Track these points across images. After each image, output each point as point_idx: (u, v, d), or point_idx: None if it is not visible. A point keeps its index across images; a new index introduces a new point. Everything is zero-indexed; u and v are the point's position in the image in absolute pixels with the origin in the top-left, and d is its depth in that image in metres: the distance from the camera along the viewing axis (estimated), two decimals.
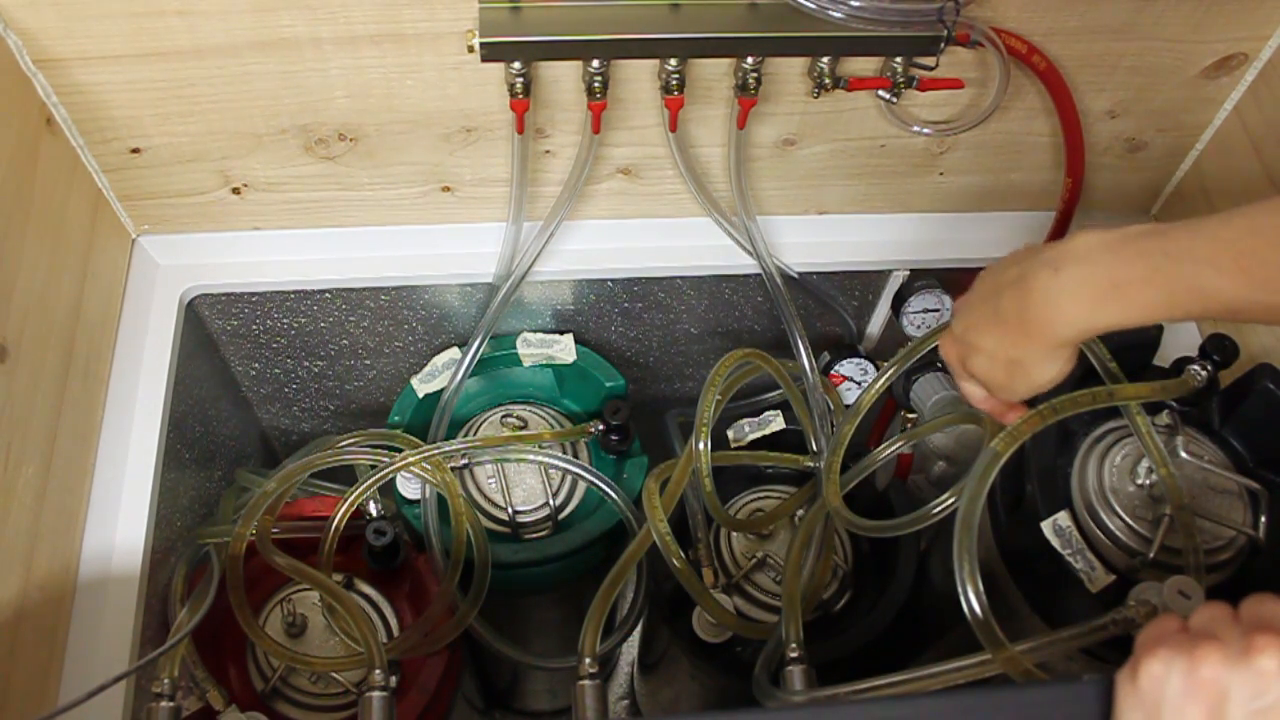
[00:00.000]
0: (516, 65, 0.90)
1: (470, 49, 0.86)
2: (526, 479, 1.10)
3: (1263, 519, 0.85)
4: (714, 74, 0.98)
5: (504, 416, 1.14)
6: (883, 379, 0.95)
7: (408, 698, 0.98)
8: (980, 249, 1.18)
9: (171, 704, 0.87)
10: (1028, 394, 0.72)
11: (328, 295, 1.15)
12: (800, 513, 1.06)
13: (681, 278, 1.19)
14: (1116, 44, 1.00)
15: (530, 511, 1.09)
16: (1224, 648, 0.49)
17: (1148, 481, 0.85)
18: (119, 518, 0.95)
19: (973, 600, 0.71)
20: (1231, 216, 0.57)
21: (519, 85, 0.92)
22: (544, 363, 1.20)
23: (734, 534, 1.09)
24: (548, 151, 1.04)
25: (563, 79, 0.96)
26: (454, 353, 1.15)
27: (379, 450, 1.04)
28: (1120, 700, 0.52)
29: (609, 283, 1.18)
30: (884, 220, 1.18)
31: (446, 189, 1.08)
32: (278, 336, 1.22)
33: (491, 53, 0.87)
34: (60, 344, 0.92)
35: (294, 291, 1.14)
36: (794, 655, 0.90)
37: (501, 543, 1.06)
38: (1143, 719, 0.50)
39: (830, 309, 1.24)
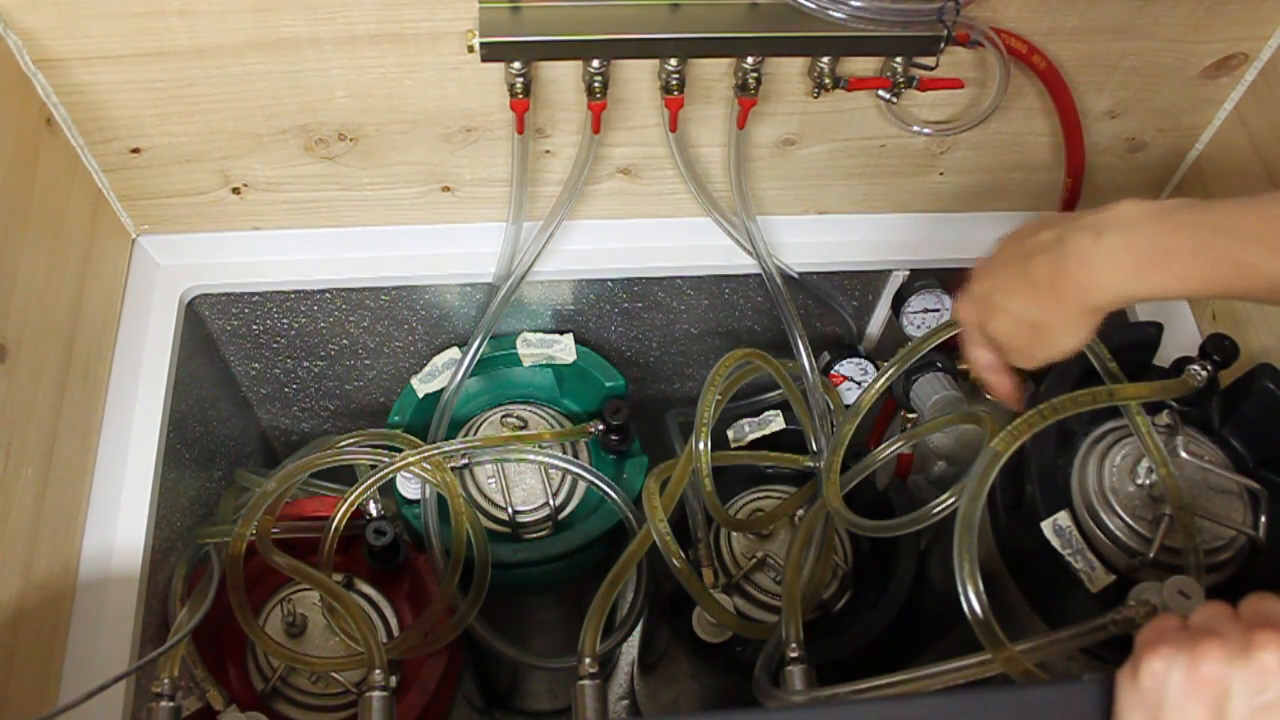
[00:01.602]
0: (516, 65, 0.90)
1: (470, 49, 0.86)
2: (526, 479, 1.10)
3: (1263, 519, 0.85)
4: (714, 74, 0.98)
5: (504, 416, 1.14)
6: (883, 379, 0.95)
7: (408, 698, 0.98)
8: (980, 249, 1.15)
9: (171, 704, 0.87)
10: (1044, 361, 0.71)
11: (327, 295, 1.15)
12: (800, 513, 1.06)
13: (681, 278, 1.19)
14: (1116, 44, 1.00)
15: (530, 511, 1.09)
16: (1225, 644, 0.48)
17: (1148, 481, 0.85)
18: (119, 518, 0.95)
19: (973, 600, 0.71)
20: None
21: (519, 85, 0.92)
22: (544, 363, 1.20)
23: (734, 534, 1.09)
24: (548, 151, 1.04)
25: (563, 79, 0.96)
26: (454, 353, 1.15)
27: (379, 450, 1.04)
28: (1121, 699, 0.52)
29: (609, 283, 1.18)
30: (884, 220, 1.18)
31: (446, 189, 1.08)
32: (278, 336, 1.22)
33: (491, 53, 0.87)
34: (60, 344, 0.92)
35: (294, 291, 1.14)
36: (794, 655, 0.90)
37: (501, 543, 1.06)
38: (1144, 717, 0.50)
39: (830, 309, 1.24)
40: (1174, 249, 0.60)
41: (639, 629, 1.32)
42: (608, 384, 1.17)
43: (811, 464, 1.08)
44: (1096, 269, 0.63)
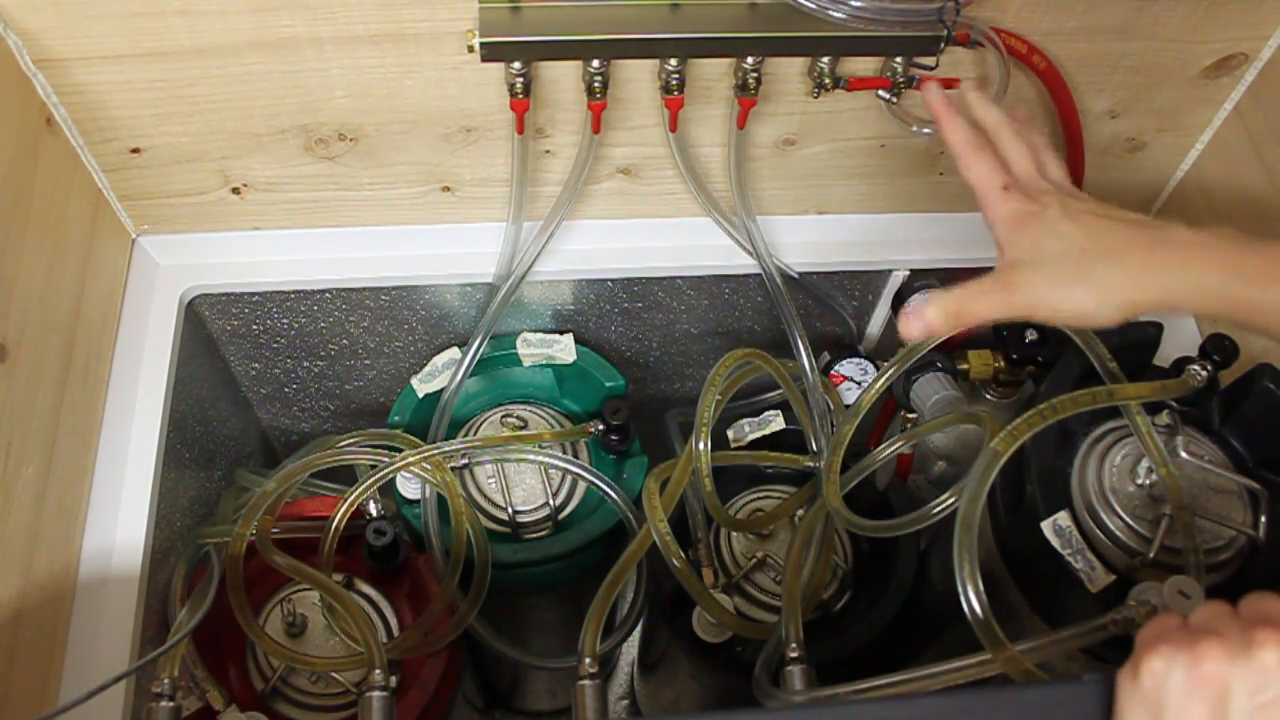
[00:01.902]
0: (516, 65, 0.90)
1: (470, 49, 0.86)
2: (526, 479, 1.10)
3: (1263, 519, 0.85)
4: (714, 74, 0.98)
5: (504, 416, 1.14)
6: (883, 379, 0.95)
7: (408, 698, 0.98)
8: (980, 249, 1.17)
9: (171, 704, 0.87)
10: (1030, 306, 0.68)
11: (327, 295, 1.15)
12: (800, 513, 1.06)
13: (681, 278, 1.19)
14: (1116, 44, 1.00)
15: (530, 511, 1.09)
16: (1225, 643, 0.49)
17: (1148, 481, 0.85)
18: (119, 518, 0.95)
19: (973, 600, 0.71)
20: None
21: (519, 85, 0.92)
22: (544, 363, 1.19)
23: (734, 534, 1.09)
24: (548, 151, 1.04)
25: (563, 79, 0.96)
26: (454, 353, 1.15)
27: (379, 450, 1.04)
28: (1122, 699, 0.52)
29: (609, 283, 1.18)
30: (884, 220, 1.18)
31: (446, 189, 1.08)
32: (278, 336, 1.22)
33: (491, 53, 0.87)
34: (60, 344, 0.92)
35: (294, 291, 1.14)
36: (794, 655, 0.90)
37: (501, 543, 1.06)
38: (1145, 717, 0.50)
39: (830, 309, 1.24)
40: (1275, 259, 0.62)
41: (639, 629, 1.32)
42: (608, 384, 1.17)
43: (811, 464, 1.08)
44: (1198, 249, 0.64)
